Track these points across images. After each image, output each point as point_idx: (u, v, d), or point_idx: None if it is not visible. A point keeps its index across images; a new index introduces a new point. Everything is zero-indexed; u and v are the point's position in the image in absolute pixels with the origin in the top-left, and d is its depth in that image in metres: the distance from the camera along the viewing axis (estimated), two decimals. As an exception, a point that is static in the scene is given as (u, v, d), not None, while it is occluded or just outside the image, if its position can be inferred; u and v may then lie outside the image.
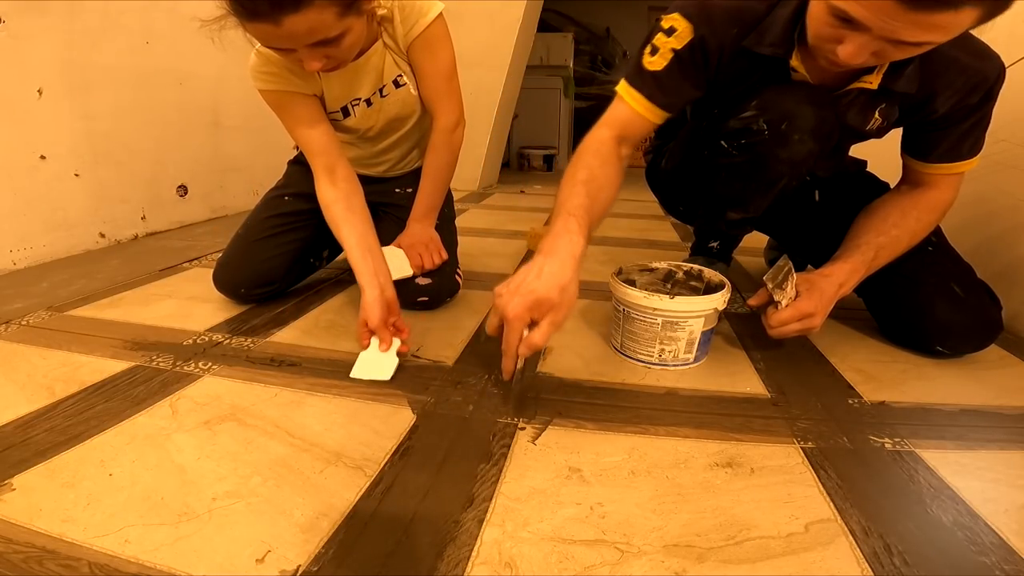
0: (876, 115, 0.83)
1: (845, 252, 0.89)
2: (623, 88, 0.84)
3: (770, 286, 0.85)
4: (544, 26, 3.70)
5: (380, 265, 0.89)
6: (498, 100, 2.83)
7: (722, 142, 0.89)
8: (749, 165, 0.88)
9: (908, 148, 0.90)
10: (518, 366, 0.70)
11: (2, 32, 1.23)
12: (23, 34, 1.27)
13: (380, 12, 0.92)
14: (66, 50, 1.38)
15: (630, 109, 0.83)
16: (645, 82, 0.81)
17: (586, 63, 4.87)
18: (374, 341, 0.84)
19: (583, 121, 4.51)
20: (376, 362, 0.83)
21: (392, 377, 0.81)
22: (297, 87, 0.95)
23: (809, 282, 0.85)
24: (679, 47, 0.79)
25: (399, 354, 0.84)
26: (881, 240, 0.88)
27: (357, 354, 0.83)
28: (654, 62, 0.80)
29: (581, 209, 0.74)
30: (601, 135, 0.84)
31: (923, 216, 0.90)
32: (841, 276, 0.85)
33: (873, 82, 0.77)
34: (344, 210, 0.94)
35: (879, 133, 0.87)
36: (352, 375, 0.82)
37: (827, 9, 0.64)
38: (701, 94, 0.85)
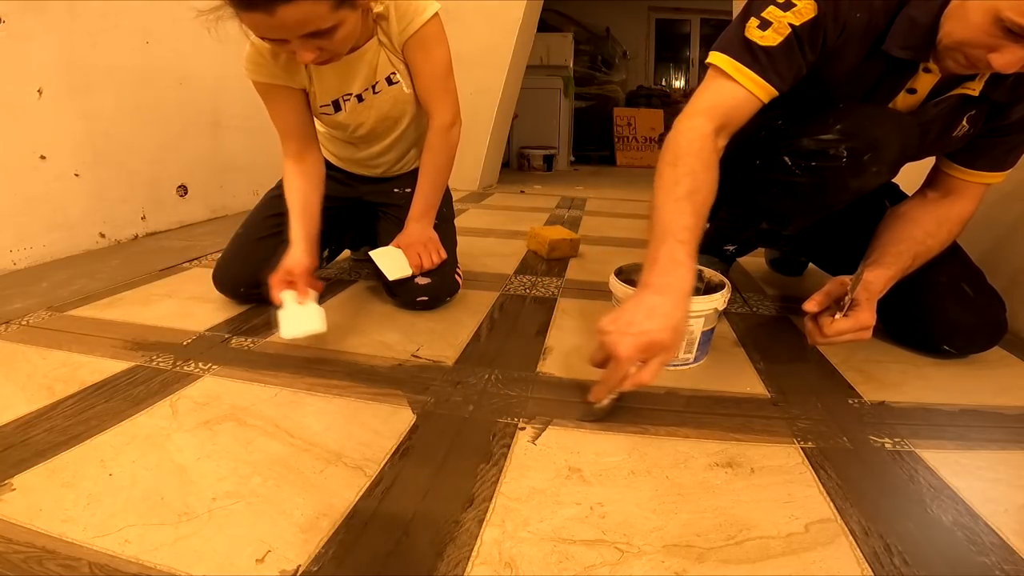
0: (964, 122, 0.80)
1: (884, 258, 0.84)
2: (728, 64, 0.74)
3: (848, 297, 0.79)
4: (544, 26, 3.70)
5: (314, 230, 0.98)
6: (498, 100, 2.83)
7: (785, 158, 0.84)
8: (810, 188, 0.84)
9: (955, 153, 0.87)
10: (612, 397, 0.70)
11: (2, 32, 1.23)
12: (23, 34, 1.27)
13: (376, 9, 0.93)
14: (66, 50, 1.38)
15: (739, 89, 0.74)
16: (757, 58, 0.73)
17: (586, 63, 4.86)
18: (288, 297, 0.86)
19: (583, 121, 4.53)
20: (301, 316, 0.85)
21: (392, 377, 0.81)
22: (283, 80, 0.97)
23: (868, 291, 0.80)
24: (798, 23, 0.72)
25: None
26: (919, 250, 0.86)
27: (359, 353, 0.82)
28: (766, 37, 0.72)
29: (689, 232, 0.68)
30: (700, 128, 0.74)
31: (954, 228, 0.89)
32: (882, 283, 0.83)
33: (976, 89, 0.75)
34: (300, 181, 1.01)
35: (962, 142, 0.84)
36: (284, 335, 0.84)
37: (993, 20, 0.61)
38: (803, 75, 0.78)
